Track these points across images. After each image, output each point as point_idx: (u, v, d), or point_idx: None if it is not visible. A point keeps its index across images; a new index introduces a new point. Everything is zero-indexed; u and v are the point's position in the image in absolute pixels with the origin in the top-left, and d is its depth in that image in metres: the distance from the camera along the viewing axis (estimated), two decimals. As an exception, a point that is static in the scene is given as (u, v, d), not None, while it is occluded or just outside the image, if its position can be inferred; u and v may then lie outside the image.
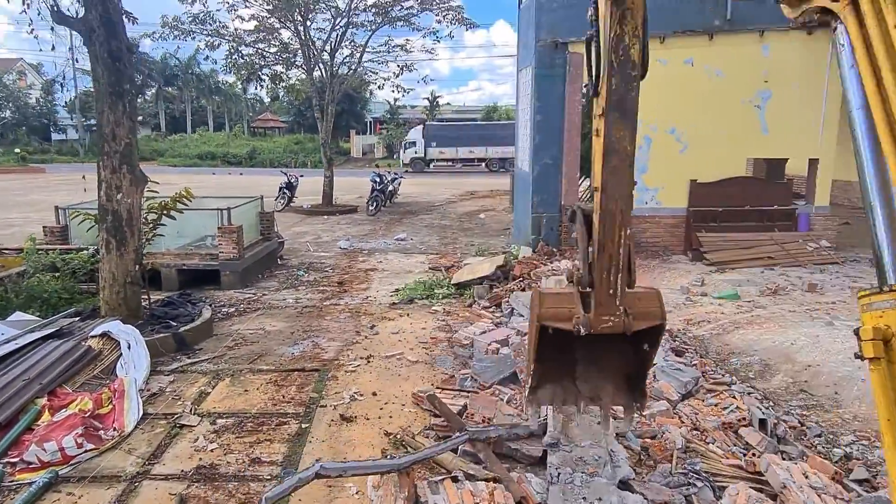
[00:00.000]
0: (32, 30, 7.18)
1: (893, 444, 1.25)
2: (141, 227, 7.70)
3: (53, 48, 8.09)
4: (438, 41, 19.55)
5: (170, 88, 60.70)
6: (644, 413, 3.86)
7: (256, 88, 44.46)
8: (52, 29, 7.43)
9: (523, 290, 9.02)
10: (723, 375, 6.07)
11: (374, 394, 6.13)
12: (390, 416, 5.64)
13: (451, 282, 9.93)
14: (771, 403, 5.50)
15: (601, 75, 2.96)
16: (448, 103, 60.22)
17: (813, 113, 10.93)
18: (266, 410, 5.80)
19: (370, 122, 58.73)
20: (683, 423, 5.20)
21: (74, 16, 7.09)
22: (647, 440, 4.86)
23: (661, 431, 4.98)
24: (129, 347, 6.60)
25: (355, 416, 5.66)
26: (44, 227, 10.33)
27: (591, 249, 3.20)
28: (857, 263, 10.44)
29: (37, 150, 46.02)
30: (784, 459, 4.47)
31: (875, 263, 1.39)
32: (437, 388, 6.06)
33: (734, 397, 5.52)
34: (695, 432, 5.11)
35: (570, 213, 3.37)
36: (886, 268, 1.36)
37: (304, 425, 5.51)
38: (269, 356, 7.23)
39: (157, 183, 8.01)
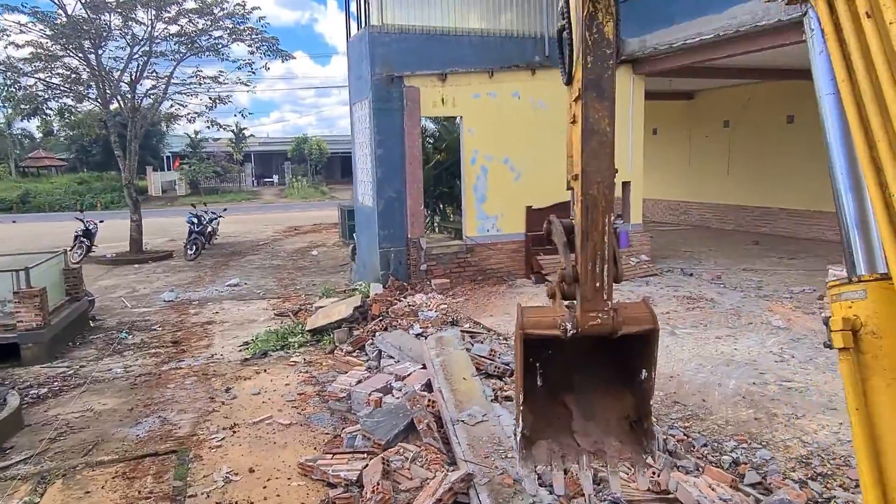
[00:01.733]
0: None
1: (862, 434, 1.26)
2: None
3: None
4: (254, 73, 18.60)
5: None
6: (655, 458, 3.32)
7: (42, 123, 38.68)
8: None
9: (386, 328, 8.70)
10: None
11: (252, 470, 5.40)
12: (278, 496, 4.98)
13: (307, 328, 9.29)
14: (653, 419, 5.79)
15: (574, 58, 2.89)
16: (252, 135, 57.68)
17: (622, 139, 12.11)
18: (121, 514, 4.81)
19: (168, 157, 54.27)
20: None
21: None
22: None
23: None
24: (-88, 462, 5.12)
25: (236, 503, 4.91)
26: None
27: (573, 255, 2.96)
28: (672, 273, 11.70)
29: None
30: (685, 474, 4.69)
31: (844, 253, 1.40)
32: (326, 452, 5.52)
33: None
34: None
35: (546, 226, 3.22)
36: (856, 258, 1.35)
37: (175, 525, 4.66)
38: (108, 443, 6.07)
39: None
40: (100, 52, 16.52)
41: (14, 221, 32.26)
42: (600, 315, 2.84)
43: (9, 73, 15.85)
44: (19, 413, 6.60)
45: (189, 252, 16.97)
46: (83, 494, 5.11)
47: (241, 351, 8.84)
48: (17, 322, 8.47)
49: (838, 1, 1.27)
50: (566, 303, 2.95)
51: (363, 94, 11.25)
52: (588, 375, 3.09)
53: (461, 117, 11.37)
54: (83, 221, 17.21)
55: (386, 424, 5.61)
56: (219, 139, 53.85)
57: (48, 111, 17.87)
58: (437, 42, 10.98)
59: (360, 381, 6.85)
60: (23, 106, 16.89)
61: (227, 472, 5.36)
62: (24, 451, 5.90)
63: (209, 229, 18.56)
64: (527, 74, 11.48)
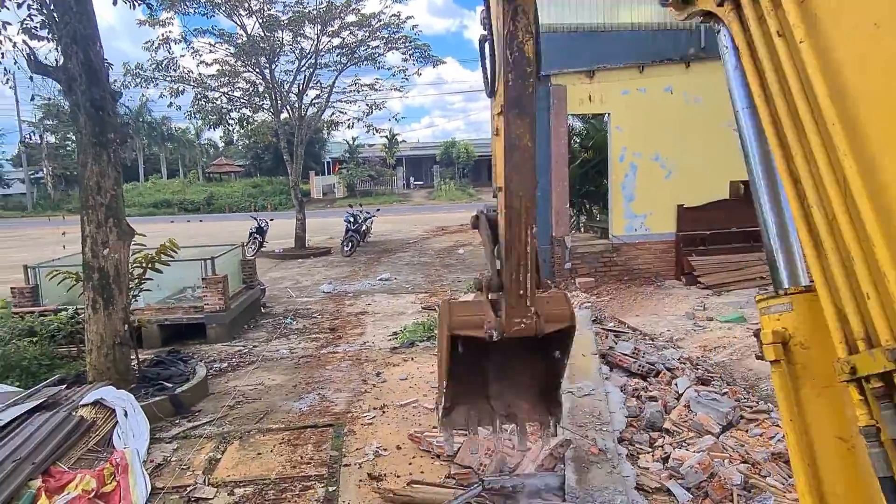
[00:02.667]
0: (8, 79, 6.74)
1: (796, 443, 1.29)
2: (128, 283, 7.21)
3: (33, 98, 7.60)
4: (407, 79, 19.57)
5: (120, 137, 59.21)
6: (560, 424, 3.66)
7: (215, 131, 43.72)
8: (31, 79, 7.01)
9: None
10: (757, 403, 5.93)
11: (399, 447, 5.76)
12: (422, 472, 5.28)
13: (451, 321, 9.62)
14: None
15: (497, 74, 2.93)
16: (404, 140, 60.42)
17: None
18: (286, 475, 5.36)
19: (328, 163, 58.42)
20: (733, 457, 5.01)
21: (54, 64, 6.70)
22: (702, 482, 4.65)
23: (714, 468, 4.78)
24: (125, 415, 6.07)
25: (384, 475, 5.27)
26: (11, 288, 9.64)
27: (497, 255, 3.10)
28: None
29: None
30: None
31: (769, 268, 1.42)
32: (435, 427, 5.86)
33: (777, 425, 5.37)
34: (745, 465, 4.93)
35: (473, 219, 3.26)
36: (780, 272, 1.38)
37: (331, 489, 5.10)
38: (276, 413, 6.77)
39: (144, 235, 7.56)
40: (273, 66, 18.29)
41: (201, 220, 36.60)
42: (524, 321, 2.97)
43: (199, 89, 18.05)
44: (206, 382, 7.55)
45: (346, 248, 18.22)
46: (255, 455, 5.76)
47: (390, 340, 9.39)
48: (205, 304, 9.66)
49: (751, 21, 1.29)
50: (492, 296, 3.06)
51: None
52: (506, 348, 3.24)
53: (609, 114, 11.17)
54: (257, 220, 19.13)
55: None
56: (373, 145, 57.08)
57: (230, 121, 20.15)
58: (585, 39, 10.89)
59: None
60: (211, 117, 19.19)
61: (377, 447, 5.76)
62: (209, 415, 6.76)
63: (364, 228, 19.79)
64: (680, 68, 11.01)
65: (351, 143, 51.99)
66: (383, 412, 6.63)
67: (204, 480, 5.30)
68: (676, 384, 6.46)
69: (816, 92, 1.10)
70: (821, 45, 1.10)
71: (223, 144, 64.45)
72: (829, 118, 1.07)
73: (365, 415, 6.57)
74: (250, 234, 19.06)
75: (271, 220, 19.99)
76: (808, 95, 1.12)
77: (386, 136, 54.01)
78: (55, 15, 6.59)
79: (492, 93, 3.03)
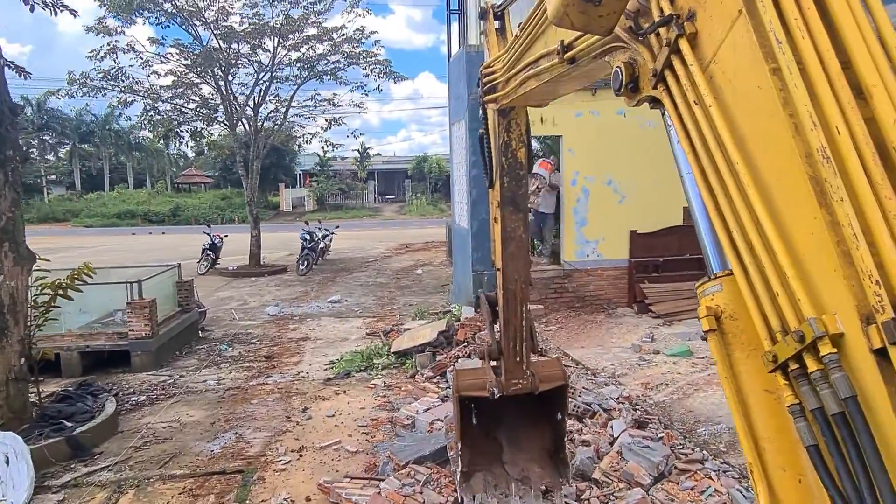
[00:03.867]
0: None
1: (732, 397, 1.54)
2: (28, 312, 6.65)
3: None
4: (367, 94, 19.19)
5: (86, 145, 57.86)
6: (570, 482, 4.17)
7: (177, 145, 42.88)
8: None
9: (469, 356, 8.39)
10: (693, 450, 5.57)
11: (308, 499, 5.29)
12: (327, 529, 4.82)
13: (391, 350, 9.20)
14: (749, 481, 5.03)
15: (494, 174, 3.40)
16: (378, 154, 59.96)
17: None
18: (177, 533, 4.87)
19: (300, 175, 57.71)
20: (661, 513, 4.64)
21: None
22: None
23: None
24: (7, 462, 5.51)
25: (285, 532, 4.81)
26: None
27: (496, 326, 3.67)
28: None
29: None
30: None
31: (704, 260, 1.75)
32: (347, 476, 5.43)
33: (710, 478, 5.02)
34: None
35: (476, 300, 4.05)
36: (711, 262, 1.70)
37: (223, 550, 4.62)
38: (184, 456, 6.25)
39: (48, 260, 7.02)
40: (230, 78, 17.77)
41: (164, 233, 35.68)
42: (521, 381, 3.55)
43: (148, 101, 17.45)
44: (115, 419, 7.00)
45: (301, 267, 17.69)
46: (148, 508, 5.24)
47: (326, 370, 8.91)
48: (129, 331, 9.08)
49: (677, 97, 1.55)
50: (493, 363, 3.65)
51: (460, 114, 11.11)
52: (515, 417, 3.76)
53: (562, 137, 10.89)
54: (210, 235, 18.50)
55: (412, 448, 5.47)
56: (345, 158, 56.60)
57: (182, 134, 19.55)
58: (538, 59, 10.62)
59: (428, 409, 6.60)
60: (159, 129, 18.58)
61: (284, 499, 5.29)
62: (110, 457, 6.21)
63: (321, 245, 19.27)
64: (634, 91, 10.77)
65: (322, 156, 51.46)
66: (300, 456, 6.15)
67: (82, 540, 4.78)
68: (612, 427, 6.08)
69: (724, 141, 1.42)
70: (724, 106, 1.43)
71: (193, 155, 63.42)
72: (735, 160, 1.39)
73: (280, 459, 6.08)
74: (203, 250, 18.43)
75: (225, 235, 19.34)
76: (720, 144, 1.43)
77: (357, 150, 53.75)
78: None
79: (491, 184, 3.50)
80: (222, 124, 18.74)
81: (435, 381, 8.02)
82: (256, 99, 18.16)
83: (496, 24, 3.52)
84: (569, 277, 10.84)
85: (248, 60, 17.84)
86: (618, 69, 1.78)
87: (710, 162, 1.46)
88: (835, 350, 1.18)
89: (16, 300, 6.38)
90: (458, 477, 3.77)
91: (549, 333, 9.42)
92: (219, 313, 12.90)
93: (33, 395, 6.80)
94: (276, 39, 17.61)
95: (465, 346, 8.76)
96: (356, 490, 5.06)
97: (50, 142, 56.73)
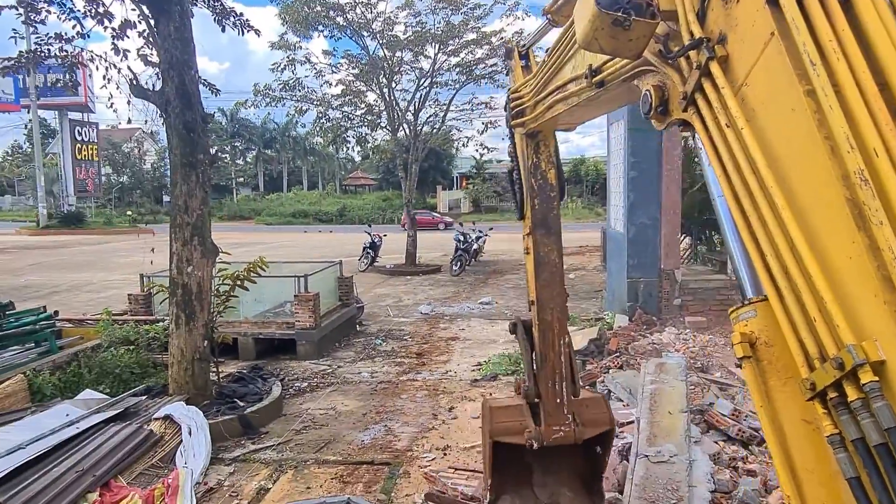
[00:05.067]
0: (112, 104, 7.20)
1: (768, 427, 1.51)
2: (211, 300, 7.40)
3: (129, 121, 8.15)
4: (523, 97, 19.08)
5: (268, 151, 64.16)
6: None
7: (345, 150, 46.03)
8: (129, 102, 7.48)
9: (621, 367, 7.99)
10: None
11: (450, 499, 5.31)
12: (467, 532, 4.80)
13: (540, 356, 9.02)
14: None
15: (525, 199, 3.25)
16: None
17: None
18: (327, 517, 5.12)
19: (456, 177, 59.20)
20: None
21: (152, 89, 7.06)
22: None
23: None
24: (189, 433, 6.16)
25: (427, 530, 4.87)
26: (129, 294, 10.40)
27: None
28: None
29: (148, 212, 49.32)
30: None
31: (738, 288, 1.81)
32: (451, 468, 5.41)
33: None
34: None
35: (511, 325, 3.49)
36: (744, 287, 1.77)
37: (367, 539, 4.79)
38: (338, 443, 6.59)
39: (229, 253, 7.75)
40: (393, 85, 18.64)
41: (331, 231, 38.44)
42: (562, 429, 3.18)
43: (320, 108, 18.84)
44: (280, 403, 7.57)
45: (454, 268, 18.05)
46: (304, 489, 5.58)
47: (473, 371, 8.96)
48: (296, 321, 9.81)
49: (708, 120, 1.53)
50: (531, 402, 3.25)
51: (619, 114, 10.63)
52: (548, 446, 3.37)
53: (733, 135, 10.03)
54: (370, 235, 19.52)
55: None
56: (501, 161, 57.08)
57: (348, 139, 20.88)
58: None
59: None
60: (328, 135, 19.98)
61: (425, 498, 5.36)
62: (273, 438, 6.72)
63: (475, 247, 19.52)
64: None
65: (478, 159, 52.35)
66: (444, 454, 6.22)
67: (246, 512, 5.20)
68: (784, 458, 5.44)
69: (758, 164, 1.39)
70: (757, 129, 1.42)
71: (360, 159, 67.73)
72: (769, 183, 1.37)
73: (425, 455, 6.19)
74: (364, 248, 19.49)
75: (384, 235, 20.31)
76: (753, 168, 1.41)
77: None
78: (157, 41, 6.94)
79: (521, 216, 3.36)
80: (385, 129, 19.74)
81: (585, 389, 7.72)
82: (417, 104, 18.88)
83: (522, 62, 3.43)
84: (736, 288, 9.93)
85: (411, 67, 18.61)
86: (647, 92, 1.77)
87: (742, 185, 1.45)
88: (876, 378, 1.14)
89: (202, 288, 7.13)
90: (485, 502, 3.55)
91: (712, 349, 8.69)
92: (375, 309, 13.53)
93: (213, 374, 7.56)
94: (437, 46, 18.14)
95: (616, 357, 8.36)
96: (461, 480, 5.14)
97: (240, 147, 63.62)
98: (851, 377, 1.18)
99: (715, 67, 1.49)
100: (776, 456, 1.49)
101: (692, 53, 1.57)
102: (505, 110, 3.42)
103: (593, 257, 21.16)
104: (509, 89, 3.41)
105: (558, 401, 3.19)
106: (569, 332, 3.32)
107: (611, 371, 7.85)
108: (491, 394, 7.96)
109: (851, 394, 1.18)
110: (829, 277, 1.24)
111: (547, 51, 2.72)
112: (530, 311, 3.33)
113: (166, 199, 59.51)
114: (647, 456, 5.16)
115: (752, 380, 1.57)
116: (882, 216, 1.13)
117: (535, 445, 3.15)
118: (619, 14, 1.51)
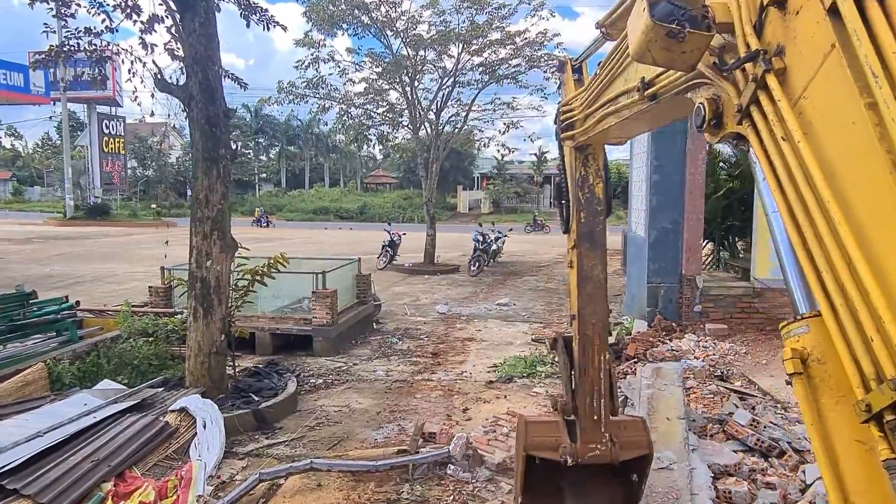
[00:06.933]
0: (136, 98, 7.27)
1: (820, 447, 1.47)
2: (230, 294, 7.44)
3: (153, 114, 8.23)
4: (546, 98, 19.02)
5: (291, 147, 64.67)
6: None
7: (367, 148, 46.23)
8: (153, 96, 7.56)
9: (634, 373, 7.88)
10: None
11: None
12: (478, 535, 4.75)
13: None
14: None
15: (571, 212, 3.25)
16: (556, 158, 59.37)
17: None
18: (336, 516, 5.10)
19: (477, 178, 59.12)
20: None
21: (176, 83, 7.11)
22: None
23: None
24: (204, 426, 6.19)
25: (437, 532, 4.83)
26: (149, 286, 10.51)
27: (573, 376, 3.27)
28: None
29: (172, 205, 49.96)
30: None
31: (790, 301, 1.77)
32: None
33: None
34: None
35: (552, 341, 3.60)
36: (796, 302, 1.74)
37: (376, 539, 4.76)
38: (351, 441, 6.58)
39: (248, 249, 7.79)
40: (416, 84, 18.64)
41: (351, 229, 38.59)
42: (598, 447, 3.11)
43: (343, 105, 18.90)
44: (294, 398, 7.58)
45: (472, 268, 18.00)
46: (316, 486, 5.57)
47: (489, 372, 8.90)
48: (313, 318, 9.83)
49: (763, 133, 1.52)
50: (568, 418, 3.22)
51: (643, 116, 10.50)
52: (581, 466, 3.26)
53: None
54: (390, 233, 19.54)
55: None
56: (522, 162, 56.91)
57: (370, 137, 20.94)
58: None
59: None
60: (350, 132, 20.05)
61: (438, 497, 5.32)
62: (287, 433, 6.73)
63: (493, 248, 19.45)
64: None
65: (500, 159, 52.22)
66: (457, 456, 6.16)
67: (257, 508, 5.20)
68: (805, 472, 5.32)
69: (815, 178, 1.37)
70: (815, 142, 1.39)
71: (381, 157, 67.98)
72: (825, 197, 1.34)
73: (438, 456, 6.14)
74: (383, 246, 19.53)
75: (404, 234, 20.32)
76: (809, 182, 1.38)
77: (535, 154, 53.70)
78: (182, 35, 6.99)
79: (566, 230, 3.37)
80: (407, 128, 19.74)
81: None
82: (439, 103, 18.86)
83: (574, 76, 3.39)
84: (759, 296, 9.76)
85: (434, 66, 18.57)
86: (700, 105, 1.75)
87: (798, 199, 1.43)
88: None
89: (220, 282, 7.16)
90: None
91: (733, 357, 8.54)
92: (392, 307, 13.53)
93: (230, 368, 7.60)
94: (461, 45, 18.09)
95: (634, 363, 8.26)
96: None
97: (263, 144, 64.22)
98: None
99: (772, 80, 1.47)
100: (826, 476, 1.46)
101: (748, 66, 1.54)
102: (555, 123, 3.39)
103: (613, 261, 20.92)
104: (560, 102, 3.39)
105: (595, 418, 3.14)
106: (610, 349, 3.25)
107: (627, 377, 7.75)
108: (506, 396, 7.90)
109: None
110: (888, 295, 1.20)
111: (599, 64, 2.73)
112: (570, 325, 3.31)
113: (189, 192, 60.26)
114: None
115: (804, 397, 1.54)
116: None
117: (570, 461, 3.08)
118: (674, 26, 1.49)
